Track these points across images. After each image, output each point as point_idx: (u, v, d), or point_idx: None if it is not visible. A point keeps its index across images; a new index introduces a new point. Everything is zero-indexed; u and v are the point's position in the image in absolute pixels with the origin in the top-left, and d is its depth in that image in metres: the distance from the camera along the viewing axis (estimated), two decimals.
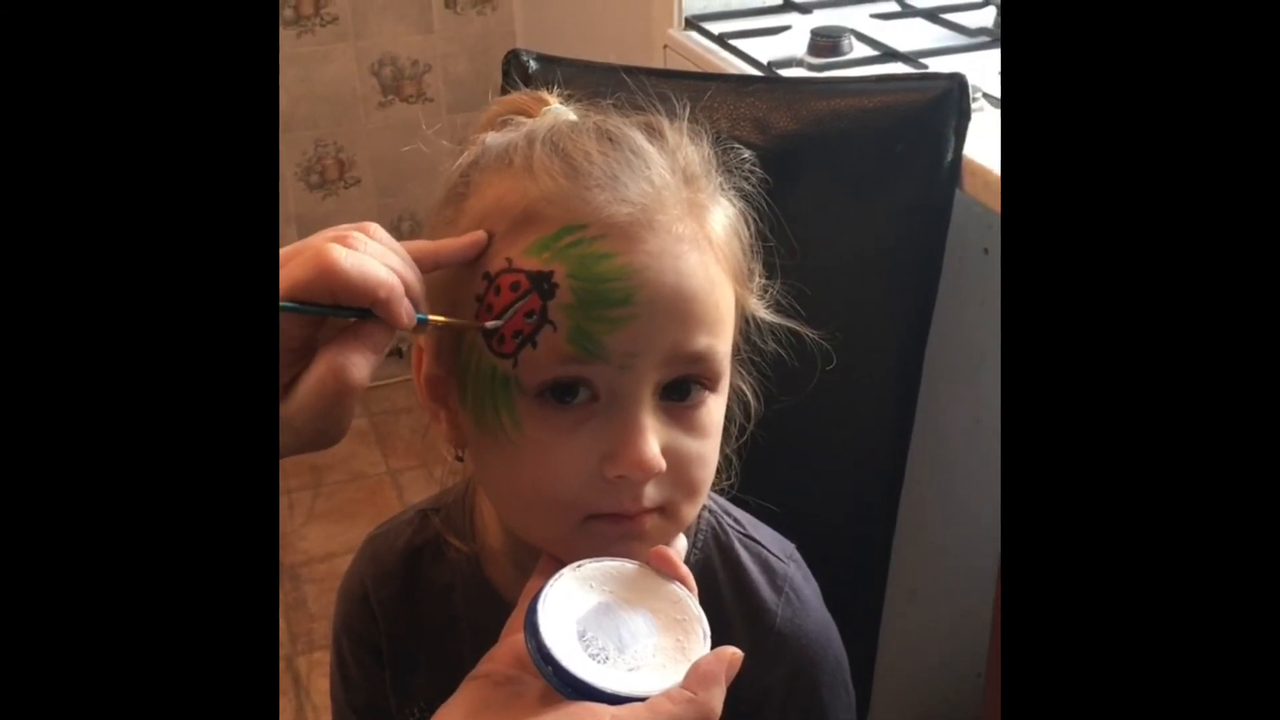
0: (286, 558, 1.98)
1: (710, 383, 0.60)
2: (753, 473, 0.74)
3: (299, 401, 0.52)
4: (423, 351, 0.64)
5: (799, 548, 0.76)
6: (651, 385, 0.57)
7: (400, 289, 0.53)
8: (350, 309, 0.53)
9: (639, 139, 0.60)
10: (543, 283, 0.56)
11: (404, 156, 2.16)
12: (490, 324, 0.57)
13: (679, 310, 0.57)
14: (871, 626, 1.01)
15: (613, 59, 1.20)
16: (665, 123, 0.63)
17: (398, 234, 0.57)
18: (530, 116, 0.64)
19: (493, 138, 0.62)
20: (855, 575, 1.00)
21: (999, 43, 1.31)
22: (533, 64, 1.06)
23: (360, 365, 0.53)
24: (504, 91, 1.08)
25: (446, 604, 0.72)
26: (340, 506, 2.08)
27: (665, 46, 1.46)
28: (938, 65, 1.26)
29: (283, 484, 2.13)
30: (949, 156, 0.98)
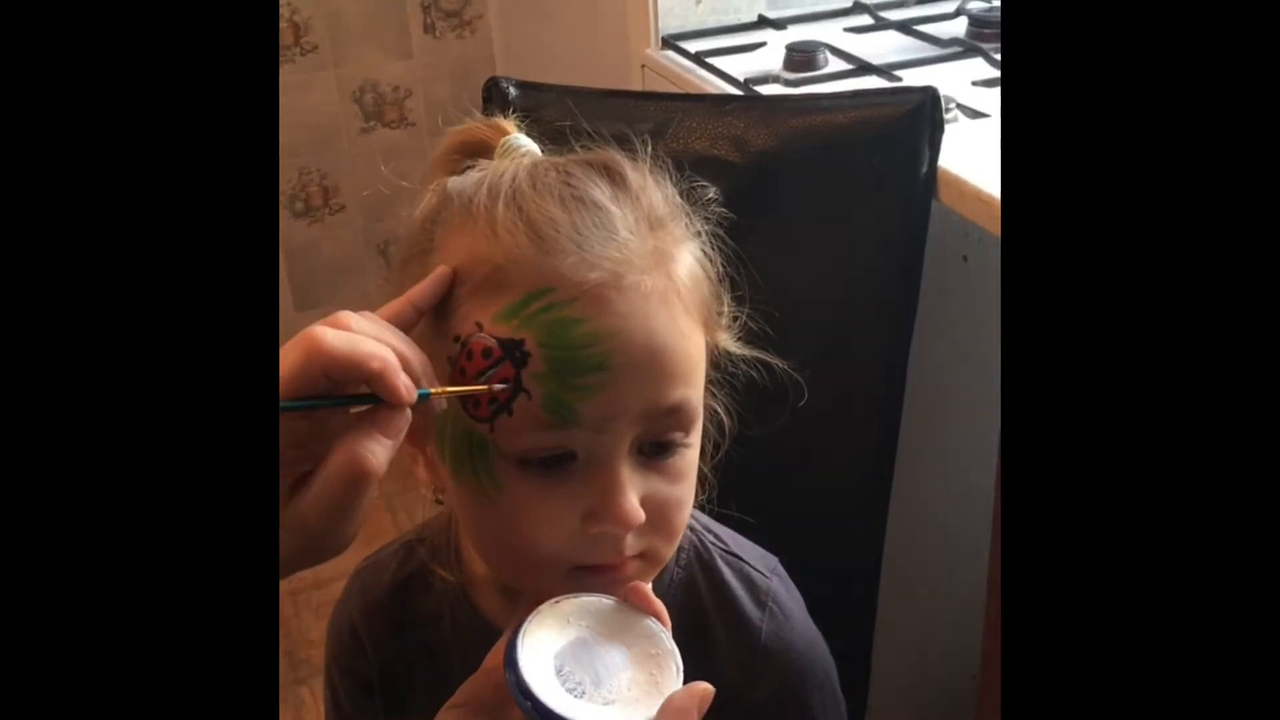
0: (284, 584, 1.98)
1: (685, 431, 0.60)
2: (737, 485, 0.75)
3: (315, 495, 0.50)
4: None
5: (787, 559, 0.77)
6: (628, 442, 0.58)
7: (394, 362, 0.51)
8: (353, 397, 0.52)
9: (602, 195, 0.59)
10: (514, 350, 0.56)
11: (388, 182, 2.18)
12: (499, 387, 0.56)
13: (651, 370, 0.57)
14: (865, 633, 1.02)
15: (592, 80, 1.21)
16: (627, 165, 0.63)
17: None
18: (489, 148, 0.65)
19: (454, 184, 0.62)
20: (847, 583, 1.01)
21: (972, 52, 1.33)
22: (513, 90, 1.07)
23: (377, 453, 0.51)
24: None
25: (435, 633, 0.72)
26: None
27: (643, 66, 1.47)
28: (911, 76, 1.27)
29: None
30: (924, 168, 1.00)
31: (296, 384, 0.50)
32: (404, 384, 0.51)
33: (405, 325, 0.57)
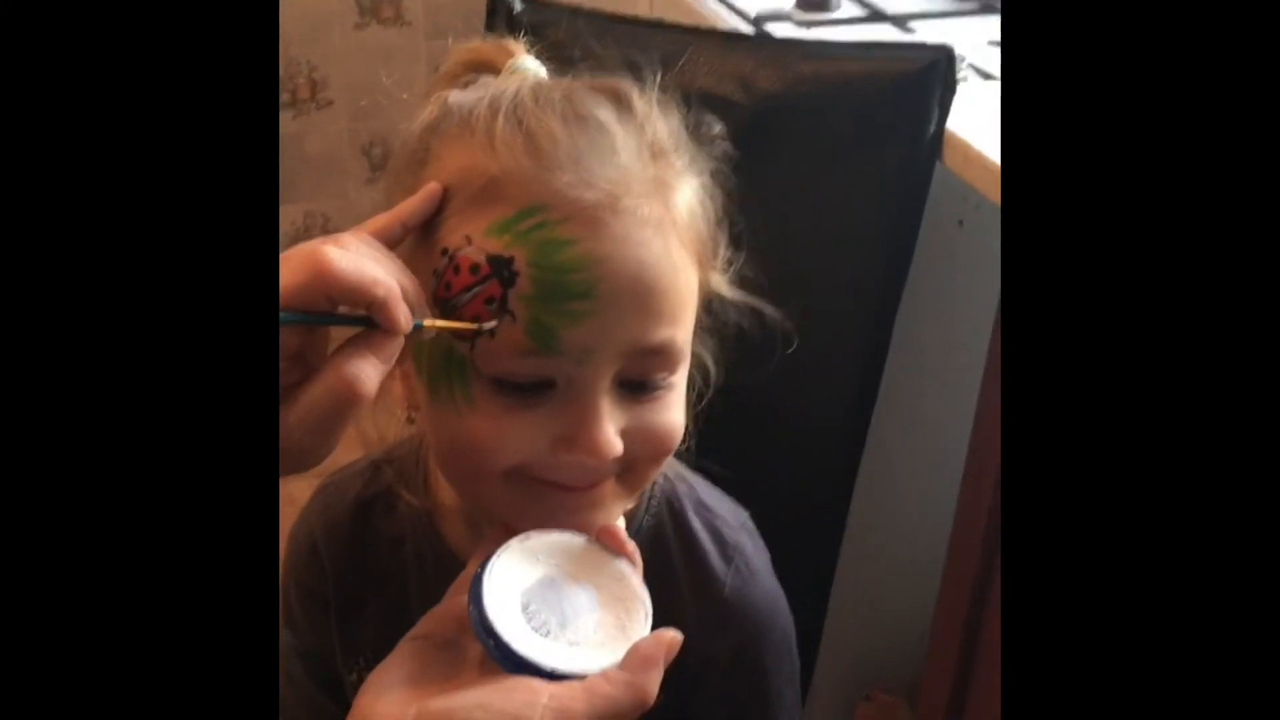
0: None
1: (670, 372, 0.59)
2: (712, 437, 0.74)
3: (302, 410, 0.50)
4: None
5: (755, 514, 0.76)
6: (610, 375, 0.57)
7: (397, 291, 0.51)
8: (351, 317, 0.51)
9: (606, 115, 0.58)
10: (503, 269, 0.55)
11: (378, 82, 2.12)
12: (488, 326, 0.55)
13: (639, 303, 0.56)
14: (822, 592, 1.03)
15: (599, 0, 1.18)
16: (634, 91, 0.61)
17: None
18: (496, 68, 0.63)
19: (455, 98, 0.60)
20: (810, 540, 1.01)
21: (988, 10, 1.30)
22: (518, 5, 1.04)
23: (369, 374, 0.51)
24: (488, 29, 1.06)
25: (396, 557, 0.72)
26: None
27: None
28: (925, 29, 1.25)
29: None
30: (931, 128, 0.98)
31: (298, 299, 0.49)
32: (404, 314, 0.51)
33: (392, 241, 0.56)
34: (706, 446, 0.75)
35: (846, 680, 1.38)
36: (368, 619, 0.72)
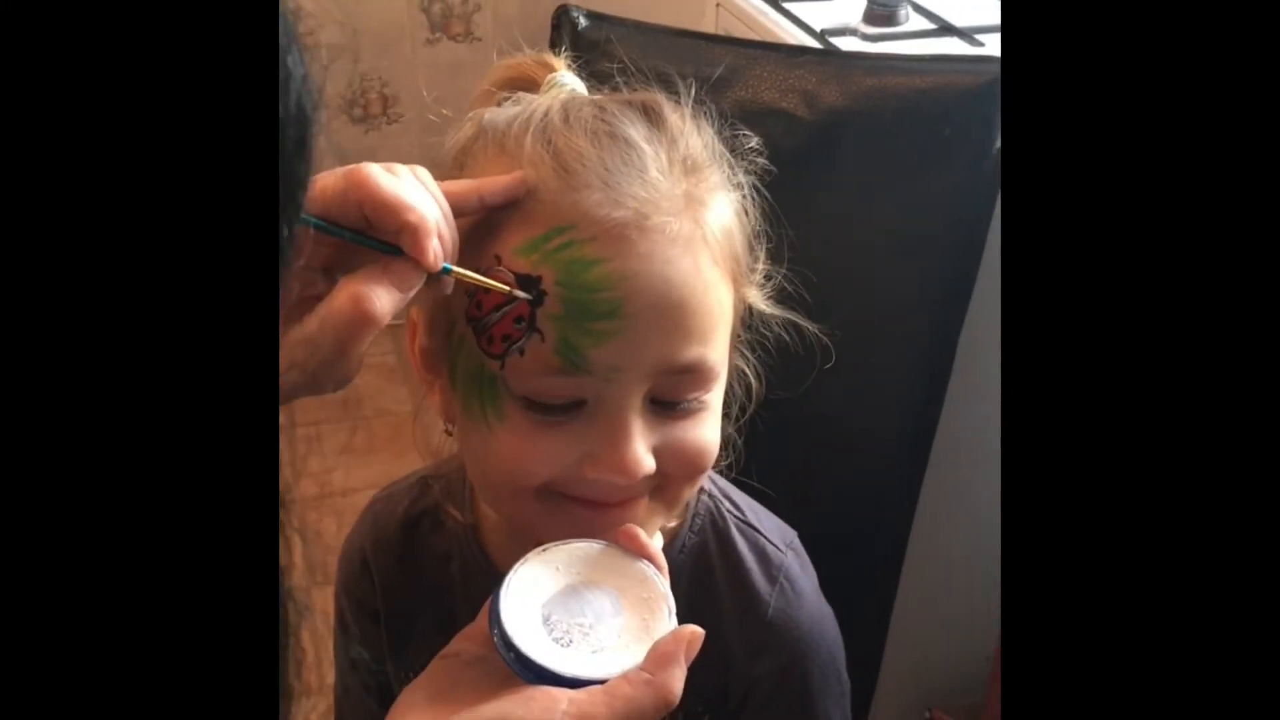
0: (310, 489, 2.00)
1: (702, 391, 0.59)
2: (774, 452, 0.73)
3: (312, 328, 0.50)
4: (416, 325, 0.64)
5: (816, 531, 0.75)
6: (640, 394, 0.57)
7: (430, 223, 0.51)
8: (378, 242, 0.51)
9: (635, 132, 0.58)
10: (531, 288, 0.55)
11: (449, 96, 2.15)
12: (519, 293, 0.56)
13: (667, 322, 0.56)
14: (883, 611, 1.01)
15: (663, 11, 1.19)
16: (667, 105, 0.61)
17: (439, 176, 0.56)
18: (536, 84, 0.63)
19: (489, 117, 0.61)
20: (874, 556, 0.99)
21: None
22: (583, 21, 1.05)
23: (383, 300, 0.50)
24: (552, 45, 1.07)
25: (444, 573, 0.72)
26: (365, 442, 2.10)
27: (718, 5, 1.43)
28: (995, 43, 1.23)
29: (310, 416, 2.12)
30: (998, 143, 0.96)
31: (331, 207, 0.49)
32: (434, 249, 0.51)
33: (465, 209, 0.56)
34: (766, 462, 0.75)
35: (909, 700, 1.36)
36: (417, 634, 0.73)
